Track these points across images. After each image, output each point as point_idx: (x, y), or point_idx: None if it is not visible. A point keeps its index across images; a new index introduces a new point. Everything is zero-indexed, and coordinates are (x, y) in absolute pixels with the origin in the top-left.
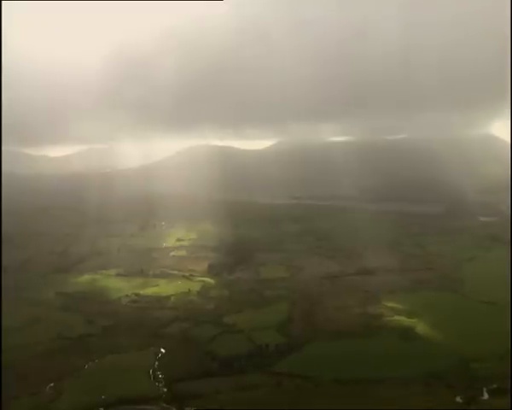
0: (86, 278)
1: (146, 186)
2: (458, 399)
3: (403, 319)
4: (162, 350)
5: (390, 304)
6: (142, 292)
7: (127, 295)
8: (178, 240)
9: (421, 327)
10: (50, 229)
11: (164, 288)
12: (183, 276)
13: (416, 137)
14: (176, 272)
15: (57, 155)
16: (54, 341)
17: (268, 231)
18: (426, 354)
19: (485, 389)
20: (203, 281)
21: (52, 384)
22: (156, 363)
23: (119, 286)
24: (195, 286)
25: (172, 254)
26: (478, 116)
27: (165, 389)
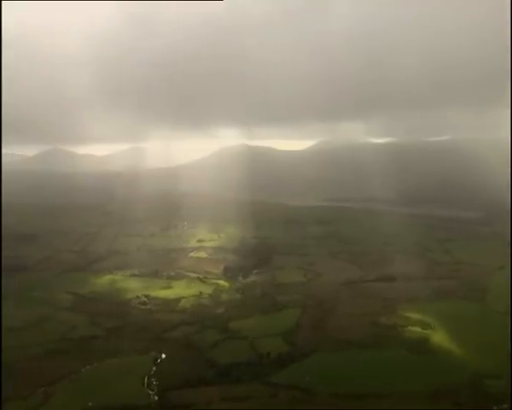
0: (100, 277)
1: (176, 186)
2: None
3: (416, 330)
4: (163, 355)
5: (406, 314)
6: (152, 294)
7: (137, 297)
8: (199, 241)
9: (435, 339)
10: (74, 227)
11: (176, 290)
12: (198, 278)
13: (460, 138)
14: (191, 274)
15: (101, 153)
16: (56, 342)
17: (291, 234)
18: (436, 369)
19: (494, 409)
20: (217, 284)
21: (43, 388)
22: (154, 369)
23: (131, 287)
24: (208, 289)
25: (191, 255)
26: None
27: (157, 398)
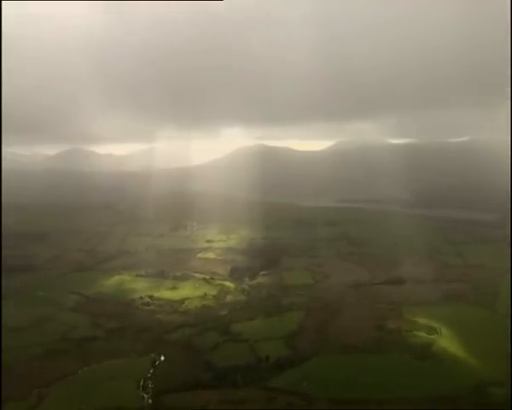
0: (106, 277)
1: (190, 186)
2: None
3: (422, 335)
4: (162, 358)
5: (412, 318)
6: (156, 294)
7: (141, 297)
8: (208, 241)
9: (440, 345)
10: (85, 226)
11: (180, 291)
12: (204, 279)
13: (479, 139)
14: (197, 275)
15: (120, 153)
16: (55, 342)
17: (301, 235)
18: (439, 375)
19: None
20: (222, 285)
21: (38, 390)
22: (151, 371)
23: (136, 287)
24: (213, 290)
25: (199, 255)
26: None
27: (151, 401)
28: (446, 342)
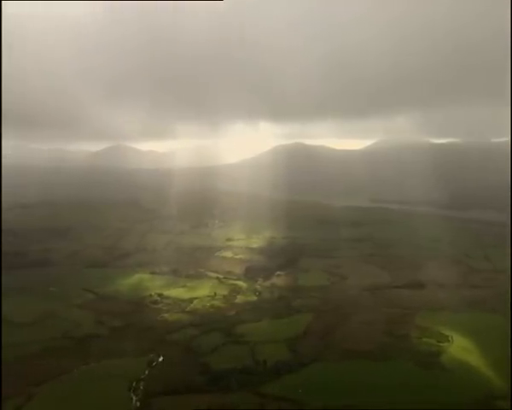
0: (120, 274)
1: (218, 185)
2: None
3: (431, 343)
4: (160, 358)
5: (424, 324)
6: (166, 293)
7: (150, 295)
8: (228, 240)
9: (449, 354)
10: (108, 223)
11: (191, 290)
12: (217, 278)
13: None
14: (211, 274)
15: (162, 150)
16: (56, 340)
17: (323, 235)
18: (442, 386)
19: None
20: (235, 285)
21: (28, 389)
22: (147, 372)
23: (147, 285)
24: (224, 290)
25: (217, 254)
26: None
27: (139, 404)
28: (458, 350)
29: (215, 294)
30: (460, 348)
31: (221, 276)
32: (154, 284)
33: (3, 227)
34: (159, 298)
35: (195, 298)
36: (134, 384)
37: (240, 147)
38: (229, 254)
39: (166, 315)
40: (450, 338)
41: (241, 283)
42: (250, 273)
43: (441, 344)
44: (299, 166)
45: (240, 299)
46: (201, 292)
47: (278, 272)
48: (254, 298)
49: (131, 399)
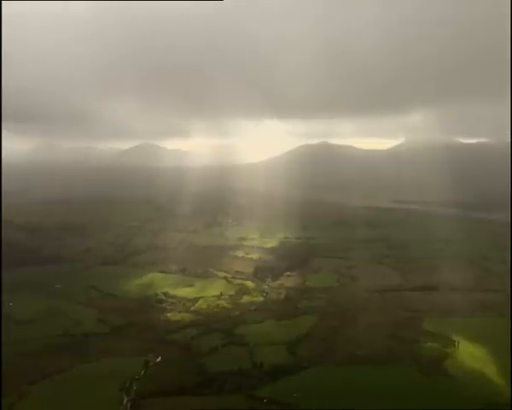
0: (128, 272)
1: (236, 184)
2: None
3: (435, 348)
4: (158, 359)
5: (431, 328)
6: (172, 292)
7: (156, 294)
8: (240, 239)
9: (453, 359)
10: (122, 220)
11: (197, 289)
12: (225, 277)
13: None
14: (220, 273)
15: (186, 149)
16: (56, 337)
17: (338, 236)
18: (443, 393)
19: None
20: (242, 284)
21: (21, 388)
22: (142, 372)
23: (154, 284)
24: (231, 290)
25: (228, 253)
26: None
27: (129, 405)
28: (463, 356)
29: (221, 293)
30: (467, 353)
31: (230, 276)
32: (162, 282)
33: (20, 224)
34: (164, 297)
35: (200, 298)
36: (127, 385)
37: (264, 146)
38: (240, 253)
39: (170, 315)
40: (456, 343)
41: (249, 283)
42: (259, 273)
43: (446, 350)
44: (323, 166)
45: (246, 299)
46: (208, 292)
47: (288, 273)
48: (261, 299)
49: (123, 401)
